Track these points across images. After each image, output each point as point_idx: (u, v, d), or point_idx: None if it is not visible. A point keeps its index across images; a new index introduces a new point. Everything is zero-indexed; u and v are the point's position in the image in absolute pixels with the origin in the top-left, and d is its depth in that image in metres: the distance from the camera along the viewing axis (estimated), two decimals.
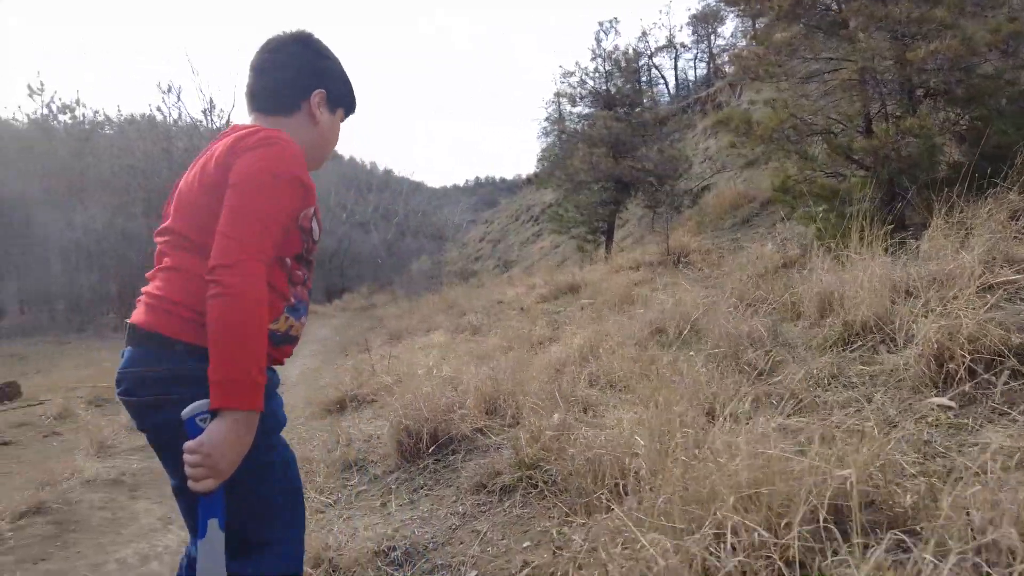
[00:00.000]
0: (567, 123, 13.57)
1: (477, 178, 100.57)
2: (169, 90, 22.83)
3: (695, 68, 37.48)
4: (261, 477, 1.23)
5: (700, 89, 27.17)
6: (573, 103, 13.20)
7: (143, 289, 1.31)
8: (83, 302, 19.97)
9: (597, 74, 12.81)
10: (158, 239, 1.31)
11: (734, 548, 1.27)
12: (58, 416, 5.50)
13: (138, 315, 1.27)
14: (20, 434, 4.96)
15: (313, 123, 1.39)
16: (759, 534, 1.29)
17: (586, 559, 1.65)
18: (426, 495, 2.74)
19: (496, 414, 3.33)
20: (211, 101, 21.12)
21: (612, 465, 2.03)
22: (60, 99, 24.98)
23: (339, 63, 1.46)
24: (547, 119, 37.41)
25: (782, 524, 1.32)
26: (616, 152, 12.13)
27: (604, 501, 1.80)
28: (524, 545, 2.05)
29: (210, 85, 34.23)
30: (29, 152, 23.08)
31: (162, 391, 1.20)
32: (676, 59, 36.49)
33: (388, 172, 48.75)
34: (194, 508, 1.17)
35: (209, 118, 21.76)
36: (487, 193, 79.52)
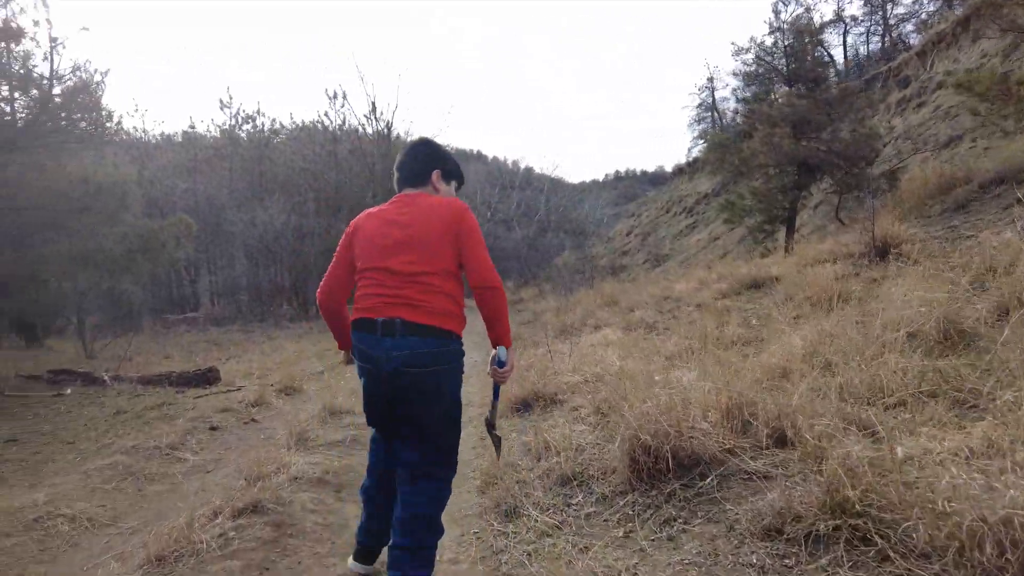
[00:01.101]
0: (738, 104, 12.43)
1: (617, 172, 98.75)
2: (335, 96, 24.33)
3: (868, 43, 33.70)
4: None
5: (878, 63, 24.24)
6: (748, 82, 12.06)
7: (409, 297, 2.04)
8: (263, 294, 21.84)
9: (776, 49, 11.59)
10: (417, 268, 2.06)
11: None
12: (254, 403, 5.69)
13: (420, 317, 2.02)
14: (224, 420, 5.14)
15: (435, 190, 2.28)
16: None
17: None
18: (683, 530, 2.23)
19: (745, 432, 2.75)
20: (373, 104, 22.13)
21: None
22: (244, 110, 27.66)
23: (449, 151, 2.38)
24: (699, 105, 35.64)
25: None
26: (799, 132, 10.88)
27: None
28: None
29: (374, 85, 35.96)
30: (220, 159, 25.72)
31: (444, 363, 2.07)
32: (845, 34, 33.09)
33: (529, 170, 49.02)
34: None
35: (371, 120, 22.82)
36: (628, 187, 77.80)
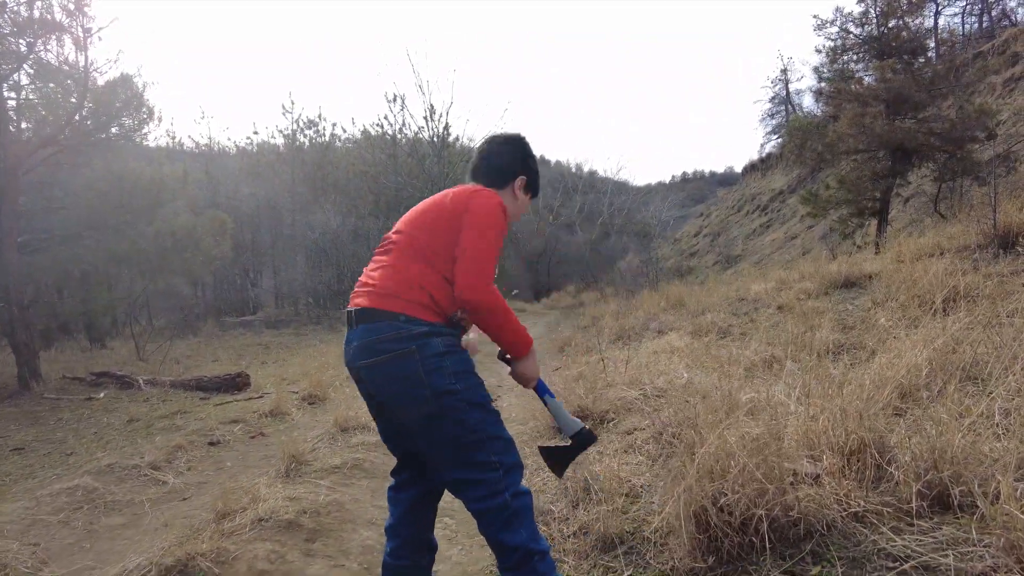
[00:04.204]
0: (821, 83, 11.11)
1: (684, 173, 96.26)
2: (395, 99, 24.08)
3: (963, 23, 30.89)
4: None
5: (978, 41, 21.92)
6: (833, 59, 10.74)
7: (375, 283, 1.72)
8: (321, 297, 21.74)
9: (865, 18, 10.26)
10: (395, 245, 1.75)
11: None
12: (270, 414, 5.08)
13: (369, 301, 1.73)
14: (228, 433, 4.54)
15: (514, 198, 1.95)
16: None
17: None
18: None
19: (878, 486, 1.83)
20: (431, 107, 21.68)
21: None
22: (306, 116, 27.94)
23: (536, 162, 2.04)
24: (773, 99, 33.66)
25: None
26: (893, 111, 9.54)
27: None
28: None
29: (429, 83, 35.64)
30: (282, 164, 25.98)
31: (404, 344, 1.66)
32: (937, 15, 30.42)
33: (592, 173, 48.03)
34: None
35: (429, 124, 22.40)
36: (696, 188, 75.51)
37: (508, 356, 1.77)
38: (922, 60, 10.21)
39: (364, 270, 1.80)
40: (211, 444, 4.28)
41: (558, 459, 1.86)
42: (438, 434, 1.64)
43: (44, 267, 8.63)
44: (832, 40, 10.64)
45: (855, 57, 10.58)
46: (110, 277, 10.60)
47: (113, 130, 8.73)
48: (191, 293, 20.15)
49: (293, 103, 30.45)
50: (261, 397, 6.10)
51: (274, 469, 3.37)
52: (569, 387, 4.71)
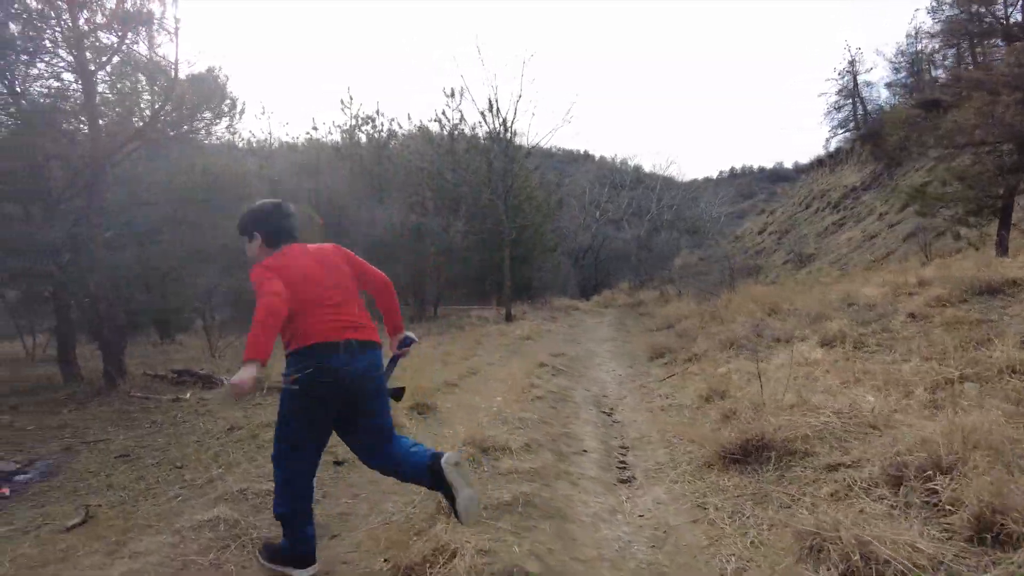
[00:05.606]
0: (939, 70, 10.24)
1: (732, 169, 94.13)
2: (452, 94, 23.75)
3: None
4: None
5: None
6: (949, 43, 9.89)
7: (361, 322, 2.54)
8: None
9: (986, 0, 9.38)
10: (340, 296, 2.53)
11: None
12: None
13: (372, 335, 2.54)
14: (347, 450, 4.16)
15: None
16: None
17: None
18: None
19: None
20: (490, 102, 21.24)
21: None
22: (363, 111, 27.84)
23: None
24: (840, 91, 32.19)
25: None
26: None
27: None
28: None
29: (496, 76, 34.86)
30: (340, 160, 25.96)
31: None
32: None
33: (639, 168, 47.02)
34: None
35: (490, 118, 21.96)
36: (744, 184, 73.75)
37: (404, 340, 2.80)
38: None
39: (330, 308, 2.43)
40: (336, 464, 3.91)
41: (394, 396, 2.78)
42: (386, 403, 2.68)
43: (127, 263, 8.51)
44: (949, 24, 9.78)
45: (975, 42, 9.70)
46: (186, 273, 10.50)
47: (196, 123, 8.55)
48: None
49: (351, 99, 30.49)
50: None
51: (419, 499, 2.97)
52: (719, 406, 4.20)
